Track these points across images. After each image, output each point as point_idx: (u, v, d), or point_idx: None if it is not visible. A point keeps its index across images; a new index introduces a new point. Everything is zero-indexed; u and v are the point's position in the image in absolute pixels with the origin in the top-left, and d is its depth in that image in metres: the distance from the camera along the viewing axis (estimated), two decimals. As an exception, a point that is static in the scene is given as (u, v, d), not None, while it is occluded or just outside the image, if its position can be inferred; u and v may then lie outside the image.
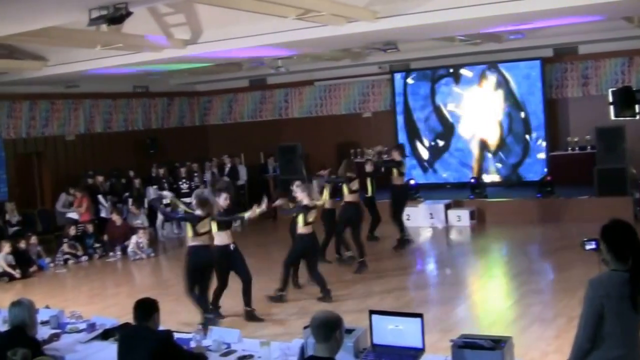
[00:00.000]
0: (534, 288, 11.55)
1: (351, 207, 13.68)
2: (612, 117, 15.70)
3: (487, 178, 19.75)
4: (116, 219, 17.41)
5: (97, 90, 20.85)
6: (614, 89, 16.09)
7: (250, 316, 10.50)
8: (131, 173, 19.86)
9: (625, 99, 15.50)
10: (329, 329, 4.56)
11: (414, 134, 21.15)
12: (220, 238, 10.53)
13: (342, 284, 12.31)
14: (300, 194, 11.53)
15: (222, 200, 10.61)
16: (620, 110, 15.57)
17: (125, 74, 18.18)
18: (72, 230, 16.81)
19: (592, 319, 4.71)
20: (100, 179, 18.87)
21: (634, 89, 15.72)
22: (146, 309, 6.03)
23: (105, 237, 17.20)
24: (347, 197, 13.70)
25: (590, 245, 4.97)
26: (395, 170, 15.15)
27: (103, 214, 18.35)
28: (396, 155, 15.32)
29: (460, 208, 18.15)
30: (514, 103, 19.68)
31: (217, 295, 10.65)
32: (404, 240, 15.37)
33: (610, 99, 15.71)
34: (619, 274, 4.70)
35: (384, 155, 17.19)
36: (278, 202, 12.57)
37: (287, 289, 11.63)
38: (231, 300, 10.71)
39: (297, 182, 11.94)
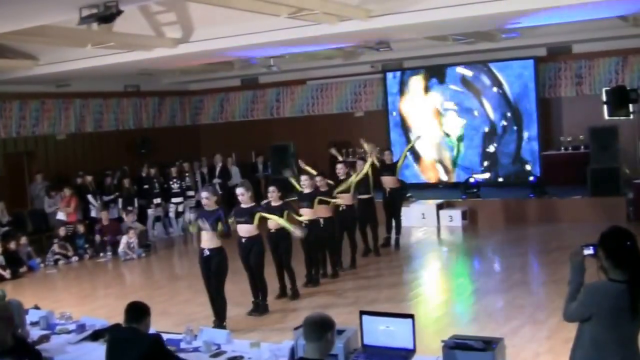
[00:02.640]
0: (526, 289, 11.53)
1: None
2: (606, 116, 15.78)
3: (479, 178, 19.67)
4: (104, 218, 17.33)
5: (88, 89, 20.72)
6: (607, 88, 16.19)
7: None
8: (120, 172, 19.79)
9: (619, 98, 15.58)
10: (321, 329, 4.51)
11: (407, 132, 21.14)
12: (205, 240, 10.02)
13: (333, 284, 12.27)
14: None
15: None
16: (614, 110, 15.65)
17: (117, 73, 18.13)
18: (62, 231, 16.73)
19: (579, 316, 4.77)
20: (89, 178, 18.77)
21: (628, 89, 15.82)
22: (137, 311, 5.95)
23: (97, 238, 17.12)
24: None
25: (589, 251, 4.85)
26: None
27: (93, 214, 18.28)
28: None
29: (452, 208, 18.11)
30: (506, 102, 19.63)
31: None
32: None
33: (604, 98, 15.79)
34: (615, 285, 4.64)
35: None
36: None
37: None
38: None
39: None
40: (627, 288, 4.58)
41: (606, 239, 4.74)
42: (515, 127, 19.55)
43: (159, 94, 23.71)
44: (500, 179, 19.81)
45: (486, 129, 19.97)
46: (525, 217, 17.37)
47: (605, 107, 15.72)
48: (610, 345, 4.64)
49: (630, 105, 15.56)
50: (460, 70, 20.20)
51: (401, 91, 21.10)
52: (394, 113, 21.22)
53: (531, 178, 18.10)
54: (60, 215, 17.42)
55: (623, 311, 4.58)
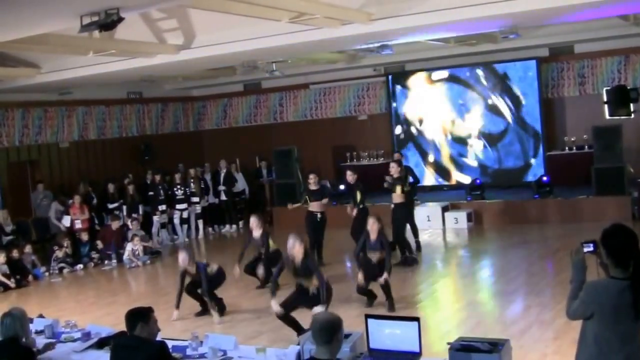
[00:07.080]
0: (532, 290, 11.49)
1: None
2: (607, 116, 15.75)
3: (484, 179, 19.62)
4: (114, 224, 17.29)
5: (91, 97, 20.74)
6: (608, 88, 16.14)
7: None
8: (126, 180, 19.76)
9: (619, 97, 15.49)
10: (331, 331, 4.50)
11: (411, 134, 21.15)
12: None
13: (338, 287, 12.21)
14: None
15: None
16: (615, 109, 15.55)
17: (120, 79, 18.13)
18: (66, 239, 16.70)
19: (581, 314, 4.79)
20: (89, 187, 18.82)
21: (628, 88, 15.77)
22: (133, 317, 5.86)
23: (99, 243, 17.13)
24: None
25: (589, 248, 4.86)
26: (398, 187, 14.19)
27: (97, 221, 18.27)
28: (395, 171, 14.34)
29: (458, 210, 18.08)
30: (510, 102, 19.61)
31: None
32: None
33: (605, 98, 15.73)
34: (616, 283, 4.64)
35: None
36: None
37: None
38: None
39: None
40: (629, 286, 4.59)
41: (608, 237, 4.73)
42: (519, 128, 19.52)
43: (162, 100, 23.72)
44: (505, 180, 19.80)
45: (490, 130, 19.94)
46: (531, 218, 17.35)
47: (605, 106, 15.68)
48: (613, 342, 4.65)
49: (631, 105, 15.51)
50: (463, 72, 20.18)
51: (404, 93, 21.10)
52: (398, 116, 21.25)
53: (545, 178, 17.95)
54: (67, 222, 17.40)
55: (625, 308, 4.60)
